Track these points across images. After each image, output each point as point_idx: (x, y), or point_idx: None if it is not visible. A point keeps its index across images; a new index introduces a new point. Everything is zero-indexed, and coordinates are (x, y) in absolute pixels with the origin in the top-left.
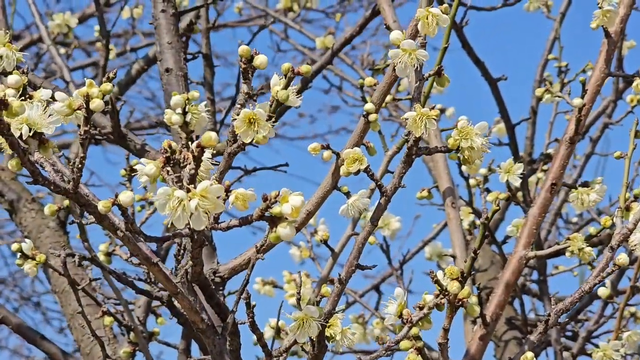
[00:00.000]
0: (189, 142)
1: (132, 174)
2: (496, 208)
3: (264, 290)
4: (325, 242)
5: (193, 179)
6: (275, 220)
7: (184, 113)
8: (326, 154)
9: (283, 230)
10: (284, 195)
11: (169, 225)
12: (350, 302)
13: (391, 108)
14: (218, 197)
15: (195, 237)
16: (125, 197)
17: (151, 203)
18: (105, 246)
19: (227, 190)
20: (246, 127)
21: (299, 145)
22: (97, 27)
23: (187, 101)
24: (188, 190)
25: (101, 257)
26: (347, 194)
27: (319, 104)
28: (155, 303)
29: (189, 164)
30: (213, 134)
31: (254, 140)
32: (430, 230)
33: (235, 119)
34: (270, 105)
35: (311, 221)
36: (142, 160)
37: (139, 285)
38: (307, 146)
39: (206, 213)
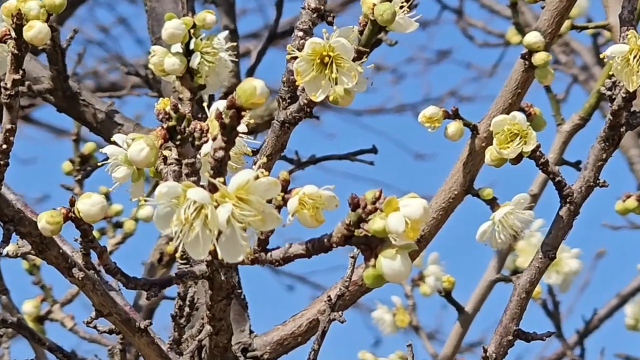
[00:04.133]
0: (197, 106)
1: (87, 168)
2: None
3: None
4: (448, 294)
5: (221, 169)
6: (374, 245)
7: (188, 52)
8: (453, 126)
9: (390, 263)
10: (391, 200)
11: (166, 257)
12: None
13: (556, 49)
14: (269, 202)
15: (223, 277)
16: (90, 205)
17: (117, 225)
18: (34, 304)
19: (285, 190)
20: (316, 72)
21: (385, 118)
22: None
23: (193, 30)
24: (214, 189)
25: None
26: (492, 203)
27: (419, 41)
28: None
29: (214, 139)
30: (259, 84)
31: (331, 99)
32: (631, 274)
33: (297, 59)
34: (361, 32)
35: None
36: (117, 137)
37: None
38: (417, 114)
39: (244, 230)
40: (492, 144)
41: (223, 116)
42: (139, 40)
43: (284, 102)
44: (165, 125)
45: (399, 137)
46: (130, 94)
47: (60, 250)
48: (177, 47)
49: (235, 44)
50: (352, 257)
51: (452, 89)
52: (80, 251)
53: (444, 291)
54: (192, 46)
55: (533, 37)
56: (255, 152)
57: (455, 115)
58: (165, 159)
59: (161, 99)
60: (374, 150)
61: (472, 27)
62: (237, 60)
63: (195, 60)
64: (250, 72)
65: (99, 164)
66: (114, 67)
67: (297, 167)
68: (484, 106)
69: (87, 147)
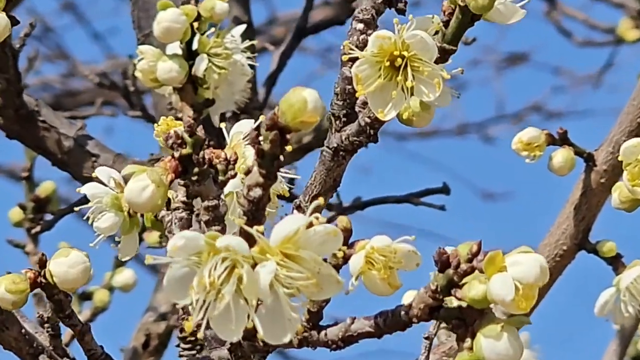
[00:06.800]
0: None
1: (46, 217)
2: None
3: None
4: None
5: (258, 213)
6: (470, 319)
7: (190, 55)
8: (561, 156)
9: (494, 345)
10: (494, 256)
11: (154, 341)
12: None
13: None
14: (325, 260)
15: None
16: (67, 267)
17: (84, 297)
18: None
19: (347, 243)
20: (384, 79)
21: (440, 143)
22: None
23: (197, 24)
24: (249, 241)
25: None
26: (615, 262)
27: (487, 37)
28: None
29: (247, 173)
30: (311, 95)
31: (404, 117)
32: None
33: (357, 61)
34: (445, 24)
35: None
36: (101, 171)
37: None
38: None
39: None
40: (617, 179)
41: (261, 141)
42: (95, 35)
43: (337, 122)
44: (177, 154)
45: (461, 170)
46: (100, 114)
47: (22, 330)
48: (175, 47)
49: (254, 42)
50: (427, 339)
51: (535, 102)
52: (47, 331)
53: None
54: (195, 46)
55: None
56: (291, 193)
57: (563, 141)
58: (168, 202)
59: (162, 118)
60: (445, 189)
61: (568, 19)
62: (256, 64)
63: (201, 66)
64: (272, 82)
65: (76, 208)
66: (69, 75)
67: (337, 213)
68: (580, 126)
69: (44, 188)
